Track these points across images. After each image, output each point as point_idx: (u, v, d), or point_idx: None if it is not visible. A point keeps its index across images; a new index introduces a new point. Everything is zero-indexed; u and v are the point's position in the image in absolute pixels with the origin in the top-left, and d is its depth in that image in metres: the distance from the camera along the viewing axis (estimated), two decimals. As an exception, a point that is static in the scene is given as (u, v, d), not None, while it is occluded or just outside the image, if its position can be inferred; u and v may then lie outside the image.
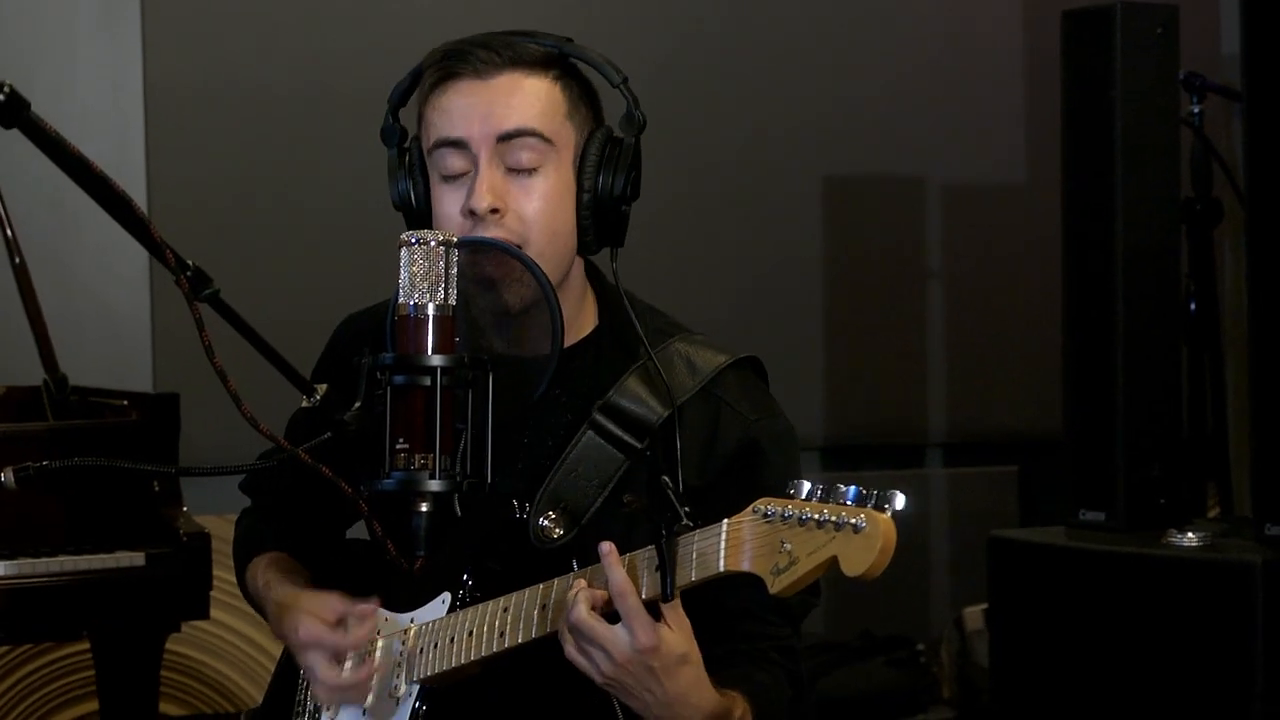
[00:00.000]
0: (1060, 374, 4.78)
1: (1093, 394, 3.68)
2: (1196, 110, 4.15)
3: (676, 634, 2.09)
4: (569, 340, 2.33)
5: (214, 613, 3.60)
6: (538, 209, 2.28)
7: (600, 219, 2.32)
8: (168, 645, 3.55)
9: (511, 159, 2.28)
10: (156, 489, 3.45)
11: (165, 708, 4.12)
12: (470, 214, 2.27)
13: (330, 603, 2.29)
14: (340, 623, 2.27)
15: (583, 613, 2.08)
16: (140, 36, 4.46)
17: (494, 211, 2.26)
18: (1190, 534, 3.42)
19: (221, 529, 3.82)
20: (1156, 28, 3.66)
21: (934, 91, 5.12)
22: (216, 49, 4.53)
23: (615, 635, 2.07)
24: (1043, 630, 3.59)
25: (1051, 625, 3.57)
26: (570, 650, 2.11)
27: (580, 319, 2.39)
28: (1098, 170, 3.66)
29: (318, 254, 4.54)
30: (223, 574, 3.90)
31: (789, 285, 5.03)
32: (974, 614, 4.90)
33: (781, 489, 2.34)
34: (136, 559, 3.35)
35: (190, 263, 1.99)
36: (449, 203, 2.30)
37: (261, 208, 4.53)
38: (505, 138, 2.28)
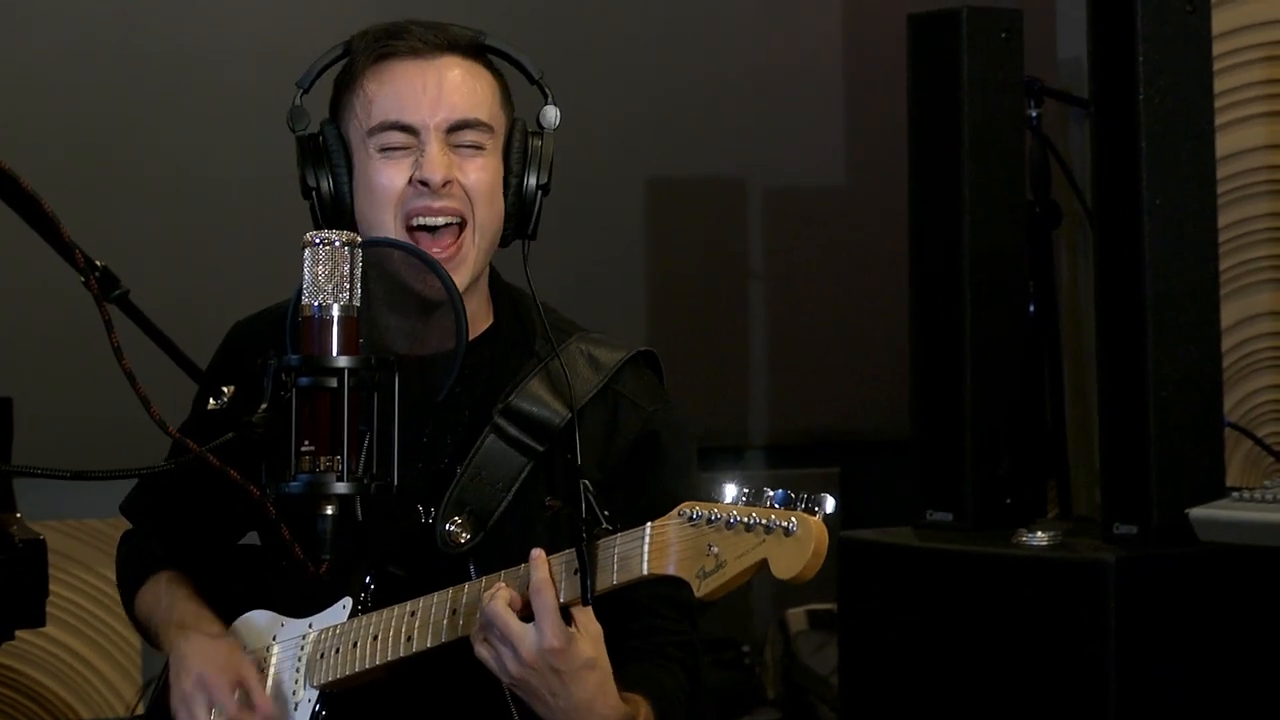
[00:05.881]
0: (884, 374, 4.83)
1: (940, 394, 3.70)
2: (1034, 114, 4.21)
3: (584, 640, 2.10)
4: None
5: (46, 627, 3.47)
6: (483, 182, 2.37)
7: (522, 208, 2.41)
8: (-5, 657, 3.44)
9: (458, 139, 2.36)
10: (-11, 494, 3.34)
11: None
12: (421, 184, 2.32)
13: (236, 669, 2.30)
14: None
15: (499, 606, 2.08)
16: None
17: (446, 184, 2.32)
18: (1040, 533, 3.44)
19: (55, 539, 3.69)
20: (1001, 32, 3.70)
21: (754, 94, 5.12)
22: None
23: (525, 633, 2.07)
24: (893, 632, 3.59)
25: (902, 626, 3.57)
26: (480, 648, 2.11)
27: (479, 314, 2.40)
28: (944, 172, 3.68)
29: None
30: (56, 589, 3.77)
31: (611, 288, 4.99)
32: (797, 615, 4.92)
33: (679, 478, 2.37)
34: (-32, 566, 3.24)
35: (99, 263, 1.93)
36: (389, 175, 2.34)
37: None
38: (455, 128, 2.35)
